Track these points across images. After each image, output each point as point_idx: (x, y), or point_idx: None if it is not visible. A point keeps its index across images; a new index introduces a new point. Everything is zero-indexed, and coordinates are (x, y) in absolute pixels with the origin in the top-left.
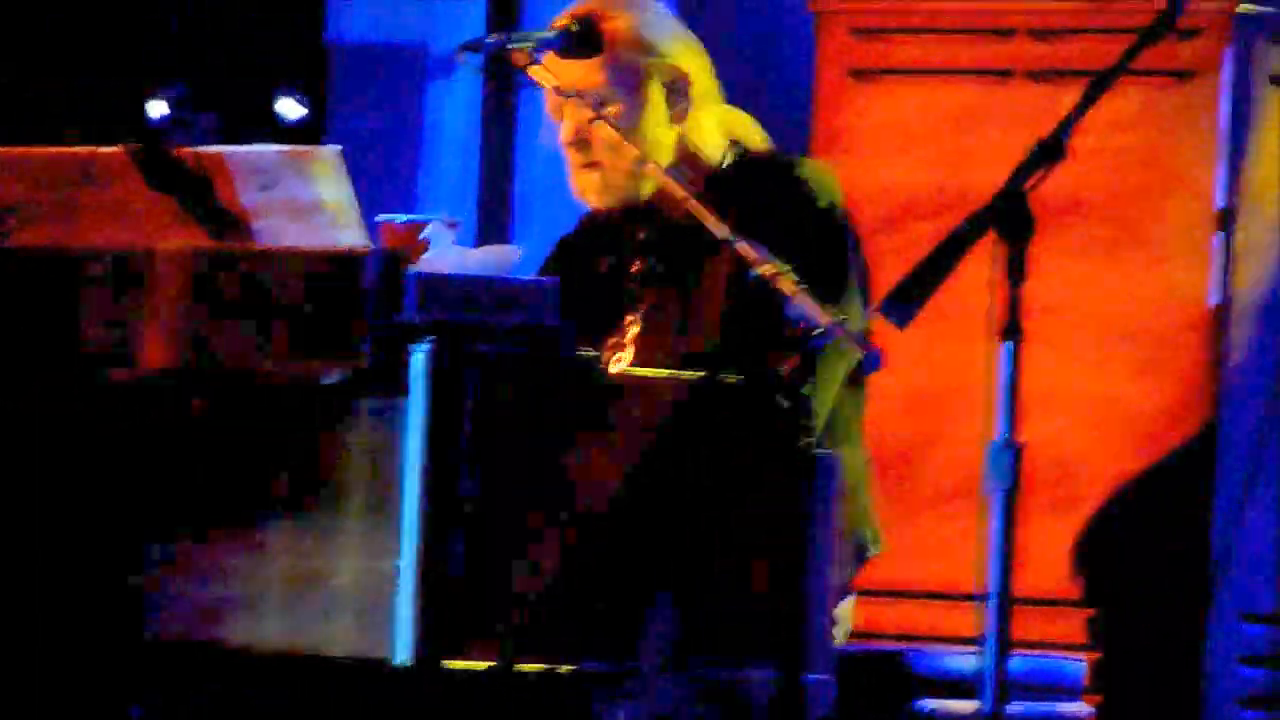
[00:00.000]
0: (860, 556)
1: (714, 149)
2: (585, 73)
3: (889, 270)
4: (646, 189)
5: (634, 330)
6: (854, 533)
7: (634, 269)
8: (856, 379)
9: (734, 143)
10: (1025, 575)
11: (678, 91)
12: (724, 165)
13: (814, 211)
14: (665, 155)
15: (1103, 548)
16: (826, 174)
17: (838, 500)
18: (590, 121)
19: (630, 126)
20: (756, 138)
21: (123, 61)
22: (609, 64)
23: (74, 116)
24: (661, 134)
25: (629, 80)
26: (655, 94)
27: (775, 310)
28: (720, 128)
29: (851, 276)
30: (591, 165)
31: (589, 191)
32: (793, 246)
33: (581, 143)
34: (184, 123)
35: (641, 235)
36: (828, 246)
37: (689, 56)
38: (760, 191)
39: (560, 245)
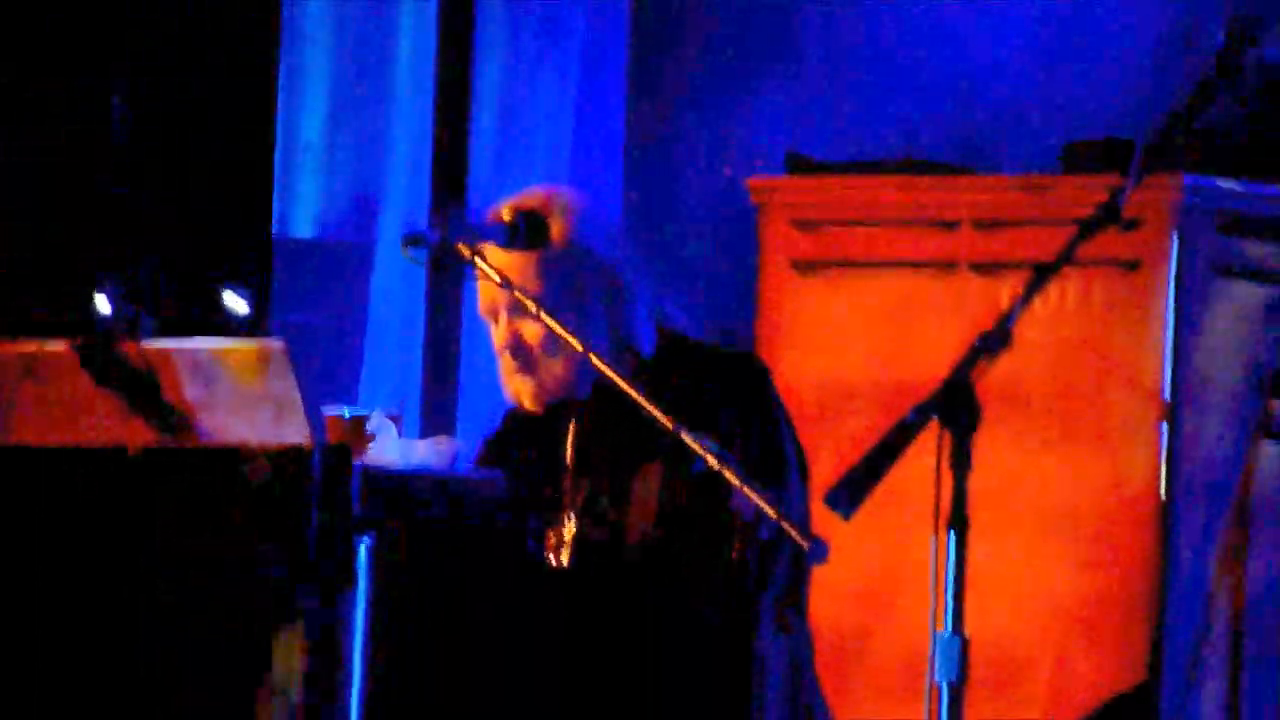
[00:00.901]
0: None
1: (648, 343)
2: (522, 274)
3: (825, 462)
4: (580, 391)
5: (570, 528)
6: (805, 707)
7: (568, 465)
8: (804, 567)
9: (660, 329)
10: None
11: (612, 293)
12: (653, 354)
13: (748, 400)
14: (599, 355)
15: None
16: (755, 362)
17: (785, 688)
18: (531, 320)
19: (565, 328)
20: (680, 322)
21: (69, 253)
22: (545, 268)
23: (14, 309)
24: (596, 334)
25: (565, 286)
26: (590, 299)
27: (719, 502)
28: (650, 319)
29: (789, 465)
30: (524, 369)
31: (523, 396)
32: (728, 436)
33: (516, 348)
34: (128, 318)
35: (572, 430)
36: (764, 436)
37: (622, 258)
38: (691, 380)
39: (487, 445)
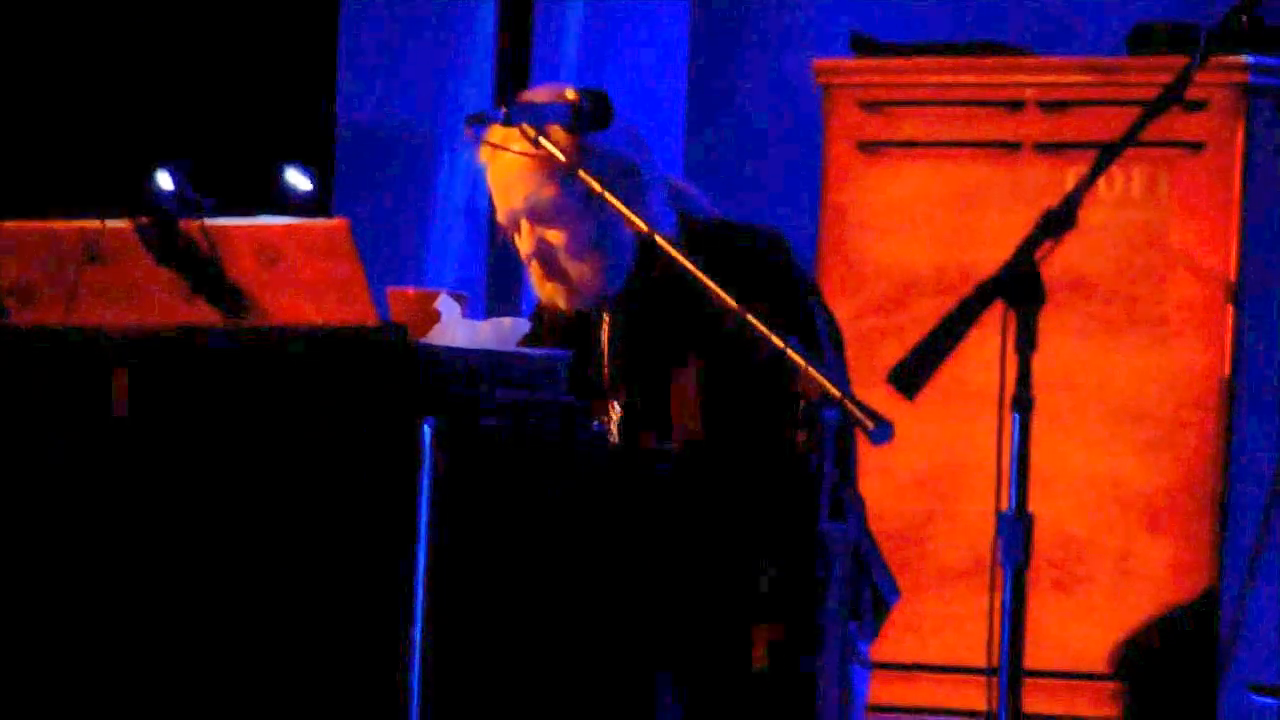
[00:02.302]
0: (883, 608)
1: (667, 226)
2: (533, 180)
3: (891, 347)
4: (613, 290)
5: (617, 416)
6: (872, 586)
7: (605, 355)
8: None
9: (681, 215)
10: (1033, 650)
11: (625, 183)
12: (675, 237)
13: (772, 276)
14: (627, 252)
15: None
16: (776, 236)
17: (849, 570)
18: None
19: (593, 225)
20: (699, 201)
21: (127, 135)
22: (554, 168)
23: (77, 191)
24: (615, 226)
25: (574, 180)
26: (615, 194)
27: (777, 385)
28: (668, 202)
29: (824, 346)
30: (553, 275)
31: (557, 300)
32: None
33: (543, 255)
34: (190, 199)
35: (607, 321)
36: (792, 311)
37: (630, 142)
38: (714, 261)
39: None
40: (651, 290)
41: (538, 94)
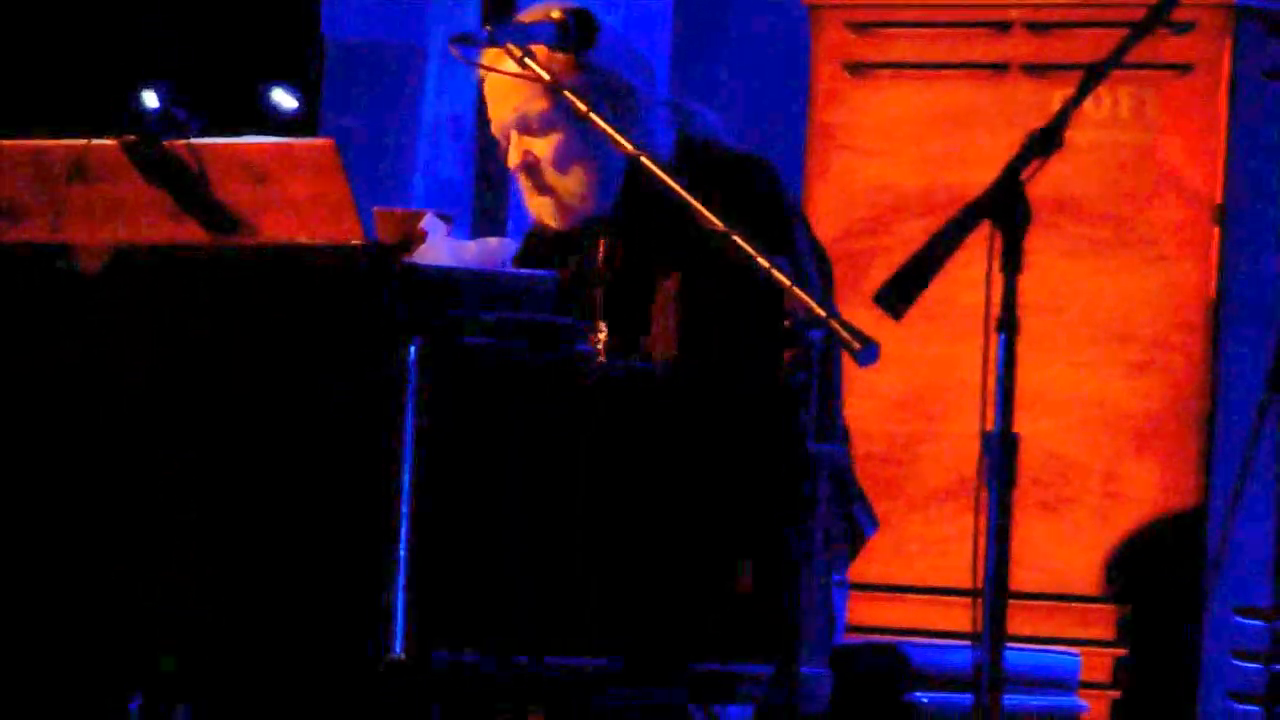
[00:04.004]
0: (860, 539)
1: (664, 147)
2: (525, 93)
3: (878, 268)
4: (601, 205)
5: (603, 336)
6: (849, 517)
7: (596, 277)
8: (836, 367)
9: (683, 137)
10: (1019, 572)
11: (621, 105)
12: (670, 159)
13: (760, 200)
14: (616, 169)
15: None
16: (764, 162)
17: (831, 495)
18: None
19: (586, 140)
20: (712, 123)
21: (112, 53)
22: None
23: (64, 109)
24: (607, 144)
25: (582, 94)
26: (597, 109)
27: (763, 306)
28: (669, 123)
29: (808, 265)
30: (540, 189)
31: (544, 215)
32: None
33: (530, 169)
34: (176, 118)
35: (603, 243)
36: (780, 237)
37: (630, 64)
38: (706, 183)
39: (525, 246)
40: (642, 210)
41: (526, 14)
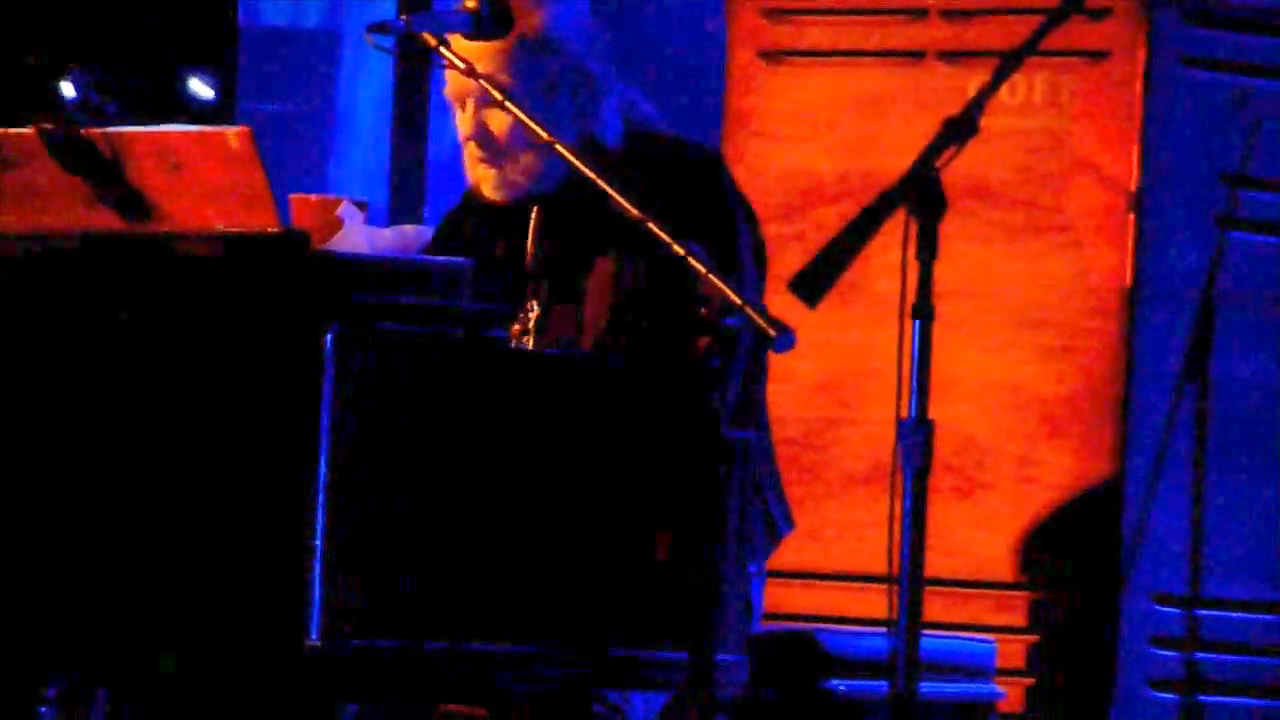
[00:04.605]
0: (774, 534)
1: (613, 135)
2: (491, 65)
3: (793, 254)
4: (546, 185)
5: (535, 315)
6: (765, 512)
7: (530, 255)
8: (759, 358)
9: (628, 124)
10: (934, 558)
11: (581, 86)
12: (618, 146)
13: (703, 190)
14: (565, 146)
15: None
16: (709, 151)
17: (749, 481)
18: (499, 111)
19: (532, 119)
20: (647, 112)
21: (30, 41)
22: (515, 61)
23: None
24: (563, 127)
25: (533, 79)
26: (559, 92)
27: (683, 292)
28: (618, 111)
29: (746, 257)
30: (489, 160)
31: (485, 185)
32: (686, 228)
33: (482, 138)
34: (93, 105)
35: (534, 219)
36: (720, 228)
37: (593, 50)
38: (652, 172)
39: (449, 224)
40: (579, 194)
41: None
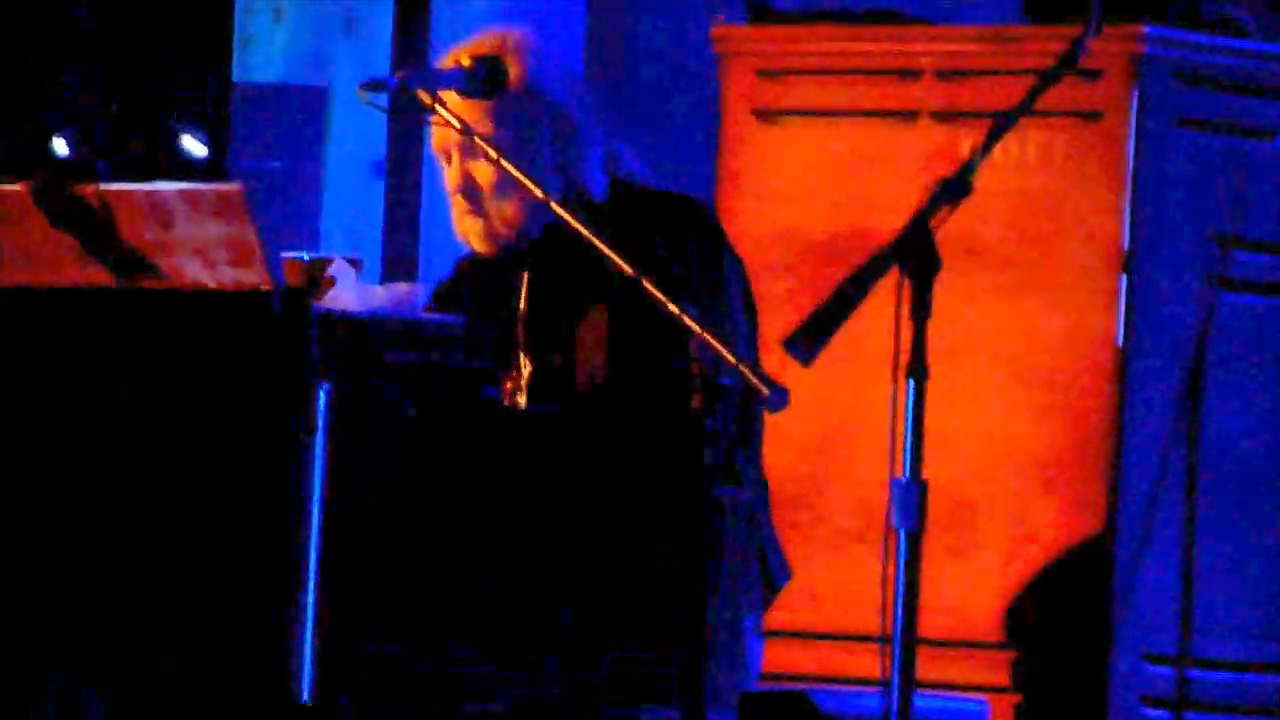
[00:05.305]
0: (772, 587)
1: (598, 188)
2: (473, 114)
3: (787, 312)
4: (530, 234)
5: (528, 371)
6: (764, 568)
7: (521, 311)
8: (754, 414)
9: (614, 179)
10: (926, 616)
11: (565, 137)
12: (604, 199)
13: (696, 246)
14: (552, 199)
15: (1003, 590)
16: (702, 207)
17: (741, 537)
18: (484, 162)
19: (520, 175)
20: (633, 166)
21: (25, 97)
22: (498, 110)
23: None
24: (549, 179)
25: (515, 127)
26: (541, 141)
27: (674, 349)
28: (603, 164)
29: (737, 311)
30: (476, 213)
31: (472, 237)
32: (676, 283)
33: (467, 189)
34: (85, 162)
35: (526, 278)
36: (712, 281)
37: (576, 101)
38: (641, 226)
39: (437, 292)
40: (567, 247)
41: (441, 59)
